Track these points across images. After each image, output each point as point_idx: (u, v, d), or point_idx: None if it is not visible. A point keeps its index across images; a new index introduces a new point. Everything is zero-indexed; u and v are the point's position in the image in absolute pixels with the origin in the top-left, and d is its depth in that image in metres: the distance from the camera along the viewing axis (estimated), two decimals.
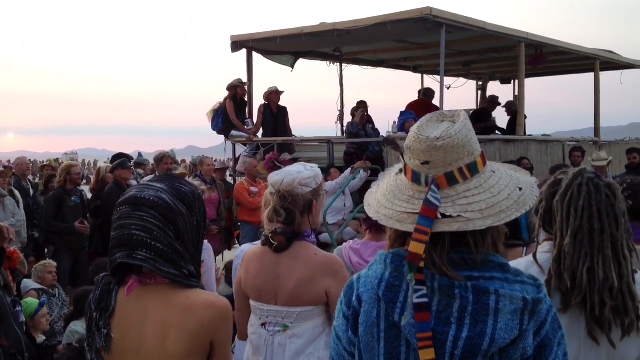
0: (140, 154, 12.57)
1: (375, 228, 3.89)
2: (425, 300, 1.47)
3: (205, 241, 3.62)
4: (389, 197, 1.59)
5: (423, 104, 11.10)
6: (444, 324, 1.47)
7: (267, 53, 10.89)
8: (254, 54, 10.64)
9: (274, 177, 2.89)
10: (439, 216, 1.48)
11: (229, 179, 11.37)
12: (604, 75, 13.04)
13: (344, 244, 4.01)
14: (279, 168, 3.06)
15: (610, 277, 2.00)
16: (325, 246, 5.61)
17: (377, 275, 1.58)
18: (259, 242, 3.00)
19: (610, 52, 12.94)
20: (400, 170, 1.63)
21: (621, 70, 13.75)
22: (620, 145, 13.01)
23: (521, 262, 2.22)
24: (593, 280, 2.00)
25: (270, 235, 2.83)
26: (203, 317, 1.83)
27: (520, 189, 1.56)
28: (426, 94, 11.68)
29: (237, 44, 10.30)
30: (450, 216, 1.48)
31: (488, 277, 1.49)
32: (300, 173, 2.87)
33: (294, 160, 9.47)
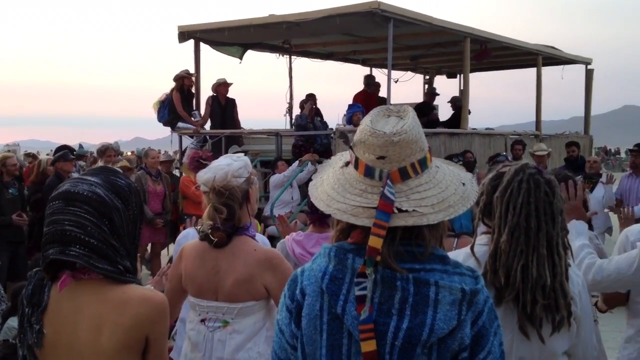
0: (81, 146, 12.27)
1: (319, 221, 3.91)
2: (367, 292, 1.49)
3: None
4: (339, 190, 1.59)
5: (367, 96, 11.16)
6: (385, 315, 1.49)
7: (215, 44, 10.79)
8: (202, 44, 10.52)
9: (204, 175, 2.85)
10: (395, 211, 1.50)
11: (175, 172, 11.23)
12: (547, 70, 13.40)
13: (287, 236, 4.01)
14: (205, 166, 3.00)
15: (543, 276, 2.05)
16: (273, 239, 5.62)
17: (321, 268, 1.59)
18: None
19: (552, 47, 13.29)
20: (347, 164, 1.63)
21: (562, 66, 14.12)
22: (560, 139, 13.39)
23: (459, 254, 2.26)
24: (526, 278, 2.05)
25: (209, 231, 2.79)
26: (138, 312, 1.80)
27: (464, 184, 1.61)
28: (369, 84, 11.70)
29: (184, 35, 10.16)
30: (406, 211, 1.50)
31: (429, 268, 1.52)
32: (230, 165, 2.84)
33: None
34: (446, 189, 1.56)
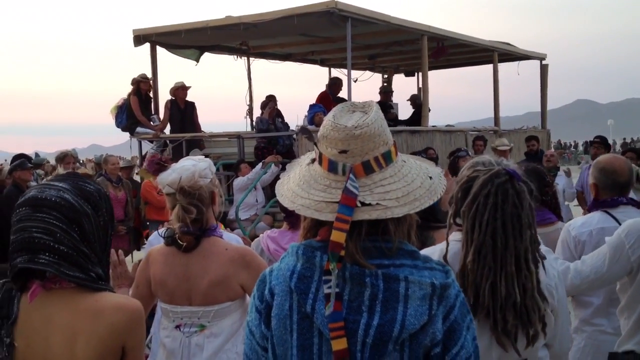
0: (37, 154, 12.00)
1: (293, 218, 3.91)
2: (337, 290, 1.48)
3: None
4: (304, 187, 1.58)
5: (327, 97, 11.17)
6: (356, 312, 1.48)
7: (171, 47, 10.66)
8: (159, 47, 10.39)
9: (169, 177, 2.80)
10: (359, 204, 1.48)
11: (136, 177, 11.06)
12: (503, 67, 13.61)
13: (262, 233, 4.00)
14: (166, 168, 2.95)
15: (512, 294, 2.00)
16: None
17: (289, 267, 1.57)
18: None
19: (508, 44, 13.51)
20: (313, 160, 1.62)
21: (518, 62, 14.36)
22: (519, 134, 13.62)
23: (435, 250, 2.25)
24: (496, 297, 2.01)
25: (177, 235, 2.74)
26: (113, 321, 1.76)
27: (431, 177, 1.60)
28: (331, 85, 11.72)
29: (139, 38, 10.02)
30: (370, 204, 1.49)
31: (398, 264, 1.50)
32: (195, 166, 2.82)
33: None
34: (412, 183, 1.55)
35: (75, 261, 1.73)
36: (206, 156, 9.00)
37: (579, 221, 3.49)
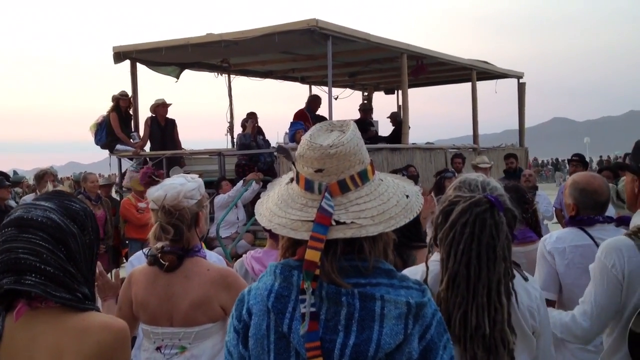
0: (15, 172, 11.86)
1: (276, 237, 3.89)
2: (313, 309, 1.48)
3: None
4: (282, 205, 1.59)
5: (304, 115, 11.17)
6: (332, 331, 1.48)
7: (151, 64, 10.63)
8: (139, 64, 10.36)
9: (155, 192, 2.77)
10: (333, 223, 1.49)
11: (115, 195, 10.97)
12: (481, 85, 13.77)
13: (246, 253, 3.96)
14: (157, 182, 2.91)
15: (482, 325, 2.00)
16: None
17: (267, 286, 1.58)
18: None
19: (485, 62, 13.68)
20: (292, 180, 1.64)
21: (496, 80, 14.54)
22: (497, 151, 13.76)
23: (418, 270, 2.25)
24: (466, 327, 2.01)
25: (159, 254, 2.70)
26: (99, 340, 1.74)
27: (407, 196, 1.61)
28: (310, 102, 11.71)
29: (119, 55, 9.97)
30: (344, 223, 1.50)
31: (374, 283, 1.51)
32: (183, 185, 2.77)
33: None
34: (388, 201, 1.56)
35: (61, 281, 1.72)
36: (186, 173, 8.98)
37: (554, 236, 3.51)
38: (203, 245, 5.06)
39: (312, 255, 1.46)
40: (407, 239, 2.94)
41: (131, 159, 10.05)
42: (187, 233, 2.73)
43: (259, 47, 9.42)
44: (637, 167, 2.78)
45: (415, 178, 9.60)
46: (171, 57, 10.17)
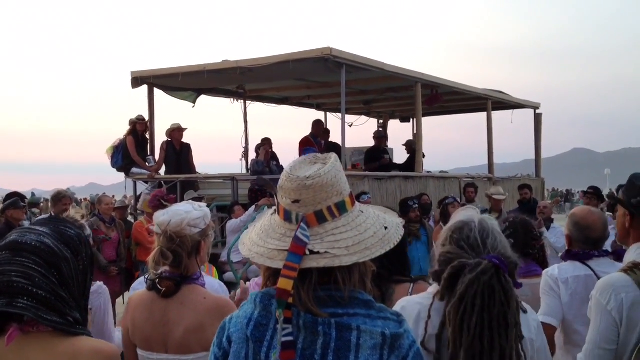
0: (33, 194, 12.03)
1: None
2: (290, 338, 1.50)
3: (100, 283, 3.43)
4: (262, 235, 1.63)
5: (309, 141, 11.20)
6: None
7: (168, 89, 10.79)
8: (156, 89, 10.52)
9: (161, 217, 2.78)
10: (307, 253, 1.52)
11: (130, 218, 11.06)
12: (500, 114, 13.76)
13: (250, 281, 3.97)
14: (166, 206, 2.93)
15: None
16: (230, 285, 5.53)
17: (247, 314, 1.61)
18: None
19: (501, 92, 13.69)
20: (275, 211, 1.67)
21: (512, 110, 14.54)
22: (513, 182, 13.70)
23: (409, 301, 2.25)
24: None
25: (157, 280, 2.71)
26: None
27: (386, 228, 1.63)
28: (314, 127, 11.51)
29: (137, 80, 10.15)
30: (318, 252, 1.52)
31: (352, 313, 1.53)
32: (188, 213, 2.77)
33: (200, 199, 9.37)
34: (365, 232, 1.58)
35: (53, 306, 1.74)
36: (200, 197, 9.01)
37: (556, 269, 3.52)
38: (214, 271, 5.01)
39: (285, 283, 1.49)
40: (389, 272, 2.93)
41: (146, 182, 10.15)
42: (186, 260, 2.73)
43: (274, 74, 9.54)
44: (630, 202, 2.77)
45: (428, 207, 9.58)
46: (188, 83, 10.32)
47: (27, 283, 1.72)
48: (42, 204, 11.97)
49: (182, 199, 8.82)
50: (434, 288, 2.23)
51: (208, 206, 9.34)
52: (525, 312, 2.26)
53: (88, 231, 3.32)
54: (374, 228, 1.60)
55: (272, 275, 1.62)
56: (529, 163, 16.14)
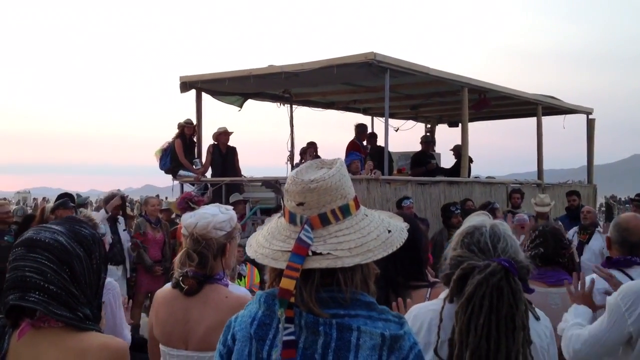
0: (79, 195, 12.36)
1: None
2: (292, 337, 1.54)
3: (109, 279, 3.51)
4: (268, 237, 1.67)
5: (355, 145, 11.18)
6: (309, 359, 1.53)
7: (215, 93, 10.96)
8: (204, 94, 10.70)
9: (188, 219, 2.86)
10: (310, 254, 1.55)
11: (177, 220, 11.27)
12: (558, 119, 13.46)
13: None
14: (194, 209, 3.00)
15: None
16: (262, 283, 5.59)
17: (251, 314, 1.65)
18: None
19: (552, 97, 13.39)
20: (282, 214, 1.71)
21: (564, 115, 14.21)
22: (563, 188, 13.36)
23: (426, 318, 2.24)
24: None
25: (180, 278, 2.78)
26: (98, 359, 1.82)
27: (390, 231, 1.65)
28: (358, 131, 11.60)
29: (186, 85, 10.35)
30: (321, 254, 1.56)
31: (353, 314, 1.56)
32: (215, 216, 2.84)
33: (245, 201, 9.49)
34: (368, 235, 1.61)
35: (64, 301, 1.81)
36: (245, 200, 9.10)
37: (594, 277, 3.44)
38: (256, 272, 4.97)
39: (287, 283, 1.52)
40: (404, 278, 2.92)
41: (193, 185, 10.33)
42: (211, 261, 2.80)
43: (319, 78, 9.58)
44: None
45: (471, 212, 9.44)
46: (234, 87, 10.46)
47: (40, 278, 1.80)
48: (91, 203, 12.22)
49: (227, 202, 8.95)
50: (445, 293, 2.23)
51: (252, 208, 9.52)
52: (537, 319, 2.23)
53: (102, 230, 3.41)
54: (377, 231, 1.63)
55: (278, 276, 1.66)
56: (585, 169, 15.72)
